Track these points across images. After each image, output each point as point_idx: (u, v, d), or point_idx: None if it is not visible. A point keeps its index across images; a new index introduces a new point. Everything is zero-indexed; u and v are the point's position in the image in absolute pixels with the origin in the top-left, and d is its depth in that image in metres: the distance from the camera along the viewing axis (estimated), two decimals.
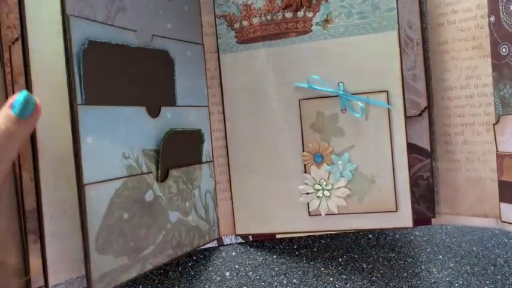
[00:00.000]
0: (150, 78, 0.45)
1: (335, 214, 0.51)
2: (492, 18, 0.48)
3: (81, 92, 0.37)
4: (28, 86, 0.37)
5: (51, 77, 0.38)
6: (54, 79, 0.38)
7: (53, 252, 0.38)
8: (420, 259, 0.52)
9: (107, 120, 0.39)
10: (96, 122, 0.38)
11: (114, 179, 0.40)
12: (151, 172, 0.44)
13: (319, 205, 0.51)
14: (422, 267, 0.51)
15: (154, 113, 0.45)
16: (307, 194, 0.52)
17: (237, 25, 0.52)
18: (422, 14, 0.52)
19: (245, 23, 0.52)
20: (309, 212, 0.52)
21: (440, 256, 0.52)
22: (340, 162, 0.50)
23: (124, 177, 0.40)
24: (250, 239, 0.56)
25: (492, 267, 0.49)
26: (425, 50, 0.53)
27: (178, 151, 0.47)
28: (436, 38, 0.53)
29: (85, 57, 0.37)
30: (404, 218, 0.50)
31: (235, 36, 0.52)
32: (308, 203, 0.52)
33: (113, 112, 0.40)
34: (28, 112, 0.33)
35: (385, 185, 0.50)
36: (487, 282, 0.47)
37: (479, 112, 0.51)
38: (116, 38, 0.41)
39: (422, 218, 0.53)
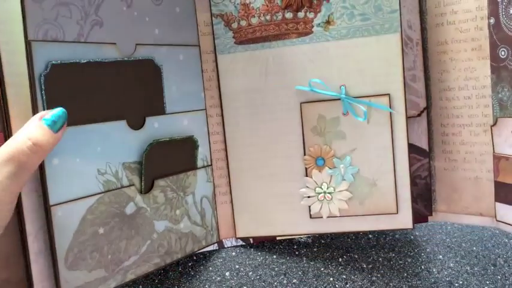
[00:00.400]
0: (131, 90, 0.44)
1: (336, 216, 0.52)
2: (492, 20, 0.48)
3: None
4: (5, 108, 0.37)
5: (27, 99, 0.37)
6: (29, 101, 0.37)
7: (38, 270, 0.39)
8: (420, 259, 0.53)
9: (76, 140, 0.40)
10: (63, 144, 0.38)
11: (87, 196, 0.41)
12: (133, 185, 0.44)
13: (320, 208, 0.51)
14: (422, 267, 0.52)
15: (136, 125, 0.45)
16: (309, 197, 0.52)
17: (234, 25, 0.51)
18: (422, 13, 0.52)
19: (243, 23, 0.50)
20: (311, 215, 0.52)
21: (440, 256, 0.53)
22: (342, 165, 0.50)
23: (99, 193, 0.42)
24: (251, 242, 0.56)
25: (492, 267, 0.51)
26: (424, 50, 0.53)
27: (166, 160, 0.47)
28: (435, 38, 0.52)
29: (47, 82, 0.37)
30: (404, 219, 0.50)
31: (233, 37, 0.51)
32: (309, 206, 0.52)
33: (83, 131, 0.40)
34: (59, 126, 0.35)
35: (386, 188, 0.50)
36: (487, 282, 0.49)
37: (477, 113, 0.51)
38: (90, 54, 0.41)
39: (419, 216, 0.54)
